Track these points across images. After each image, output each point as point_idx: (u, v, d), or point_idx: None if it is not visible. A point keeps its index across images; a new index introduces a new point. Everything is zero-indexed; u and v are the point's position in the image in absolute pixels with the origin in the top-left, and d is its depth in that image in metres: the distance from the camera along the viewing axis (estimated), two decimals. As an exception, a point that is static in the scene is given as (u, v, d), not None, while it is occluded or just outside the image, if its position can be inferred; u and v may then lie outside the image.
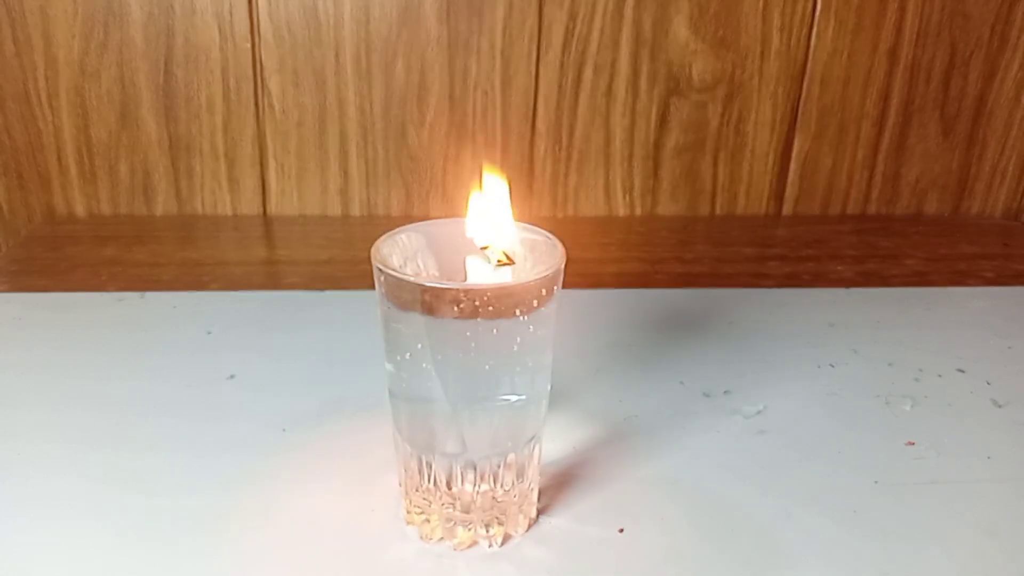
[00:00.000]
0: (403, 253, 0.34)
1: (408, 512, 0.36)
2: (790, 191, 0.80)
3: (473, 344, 0.31)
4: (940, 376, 0.49)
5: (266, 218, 0.76)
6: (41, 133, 0.71)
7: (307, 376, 0.47)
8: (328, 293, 0.58)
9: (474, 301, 0.30)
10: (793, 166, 0.79)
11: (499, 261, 0.33)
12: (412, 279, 0.30)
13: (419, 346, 0.31)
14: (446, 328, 0.30)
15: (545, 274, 0.31)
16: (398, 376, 0.33)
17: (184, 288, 0.60)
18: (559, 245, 0.33)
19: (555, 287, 0.32)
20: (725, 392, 0.47)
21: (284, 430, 0.42)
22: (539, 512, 0.37)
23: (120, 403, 0.44)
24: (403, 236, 0.34)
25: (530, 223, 0.35)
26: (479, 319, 0.30)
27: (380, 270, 0.31)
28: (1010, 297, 0.60)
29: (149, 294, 0.57)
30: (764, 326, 0.55)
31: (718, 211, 0.80)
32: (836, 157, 0.79)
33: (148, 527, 0.36)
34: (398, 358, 0.33)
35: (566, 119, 0.75)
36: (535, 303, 0.31)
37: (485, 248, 0.33)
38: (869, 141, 0.78)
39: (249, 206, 0.76)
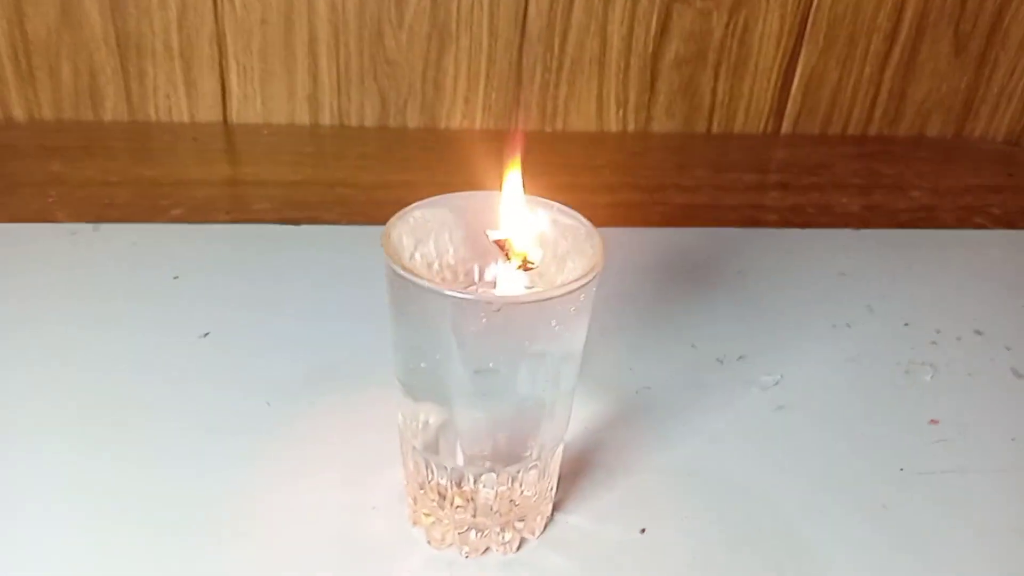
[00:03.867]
0: (414, 234, 0.30)
1: (415, 512, 0.33)
2: (791, 108, 0.75)
3: (500, 351, 0.27)
4: (959, 339, 0.47)
5: (227, 126, 0.69)
6: (-33, 26, 0.62)
7: (291, 334, 0.43)
8: (305, 228, 0.53)
9: (506, 317, 0.25)
10: (797, 82, 0.74)
11: (521, 264, 0.28)
12: (438, 289, 0.25)
13: (438, 355, 0.27)
14: (471, 327, 0.26)
15: (584, 281, 0.26)
16: (411, 374, 0.29)
17: (142, 214, 0.54)
18: (597, 236, 0.29)
19: (593, 290, 0.28)
20: (740, 358, 0.44)
21: (268, 404, 0.39)
22: (554, 508, 0.34)
23: (74, 369, 0.40)
24: (417, 214, 0.30)
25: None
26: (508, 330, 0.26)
27: (401, 275, 0.26)
28: (1021, 243, 0.58)
29: (104, 226, 0.52)
30: (774, 276, 0.52)
31: (715, 128, 0.75)
32: (842, 73, 0.74)
33: (103, 532, 0.32)
34: (411, 365, 0.29)
35: (559, 24, 0.68)
36: (572, 309, 0.27)
37: (502, 243, 0.28)
38: (878, 57, 0.74)
39: (208, 112, 0.69)
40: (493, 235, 0.28)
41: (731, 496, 0.36)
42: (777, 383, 0.42)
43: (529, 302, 0.26)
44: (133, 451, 0.36)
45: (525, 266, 0.28)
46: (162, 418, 0.37)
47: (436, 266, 0.30)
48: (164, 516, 0.33)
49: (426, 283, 0.25)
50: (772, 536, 0.34)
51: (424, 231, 0.30)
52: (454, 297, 0.25)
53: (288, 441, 0.37)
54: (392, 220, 0.29)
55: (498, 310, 0.25)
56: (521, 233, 0.29)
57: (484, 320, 0.25)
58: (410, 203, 0.30)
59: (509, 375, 0.28)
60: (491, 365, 0.27)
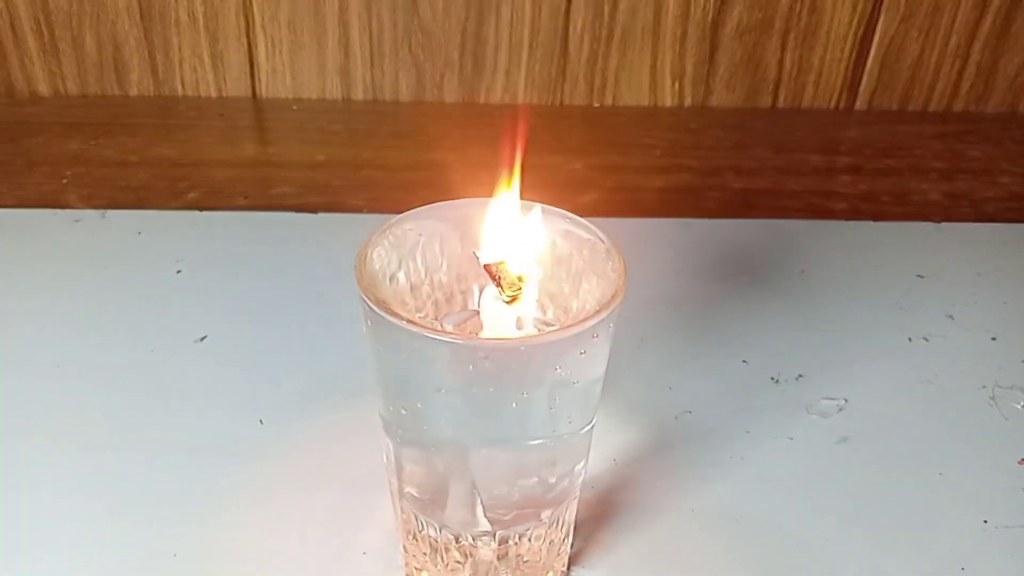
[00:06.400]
0: (398, 247, 0.25)
1: (407, 564, 0.29)
2: (867, 82, 0.68)
3: (493, 394, 0.22)
4: (1056, 358, 0.41)
5: (256, 101, 0.65)
6: (-14, -4, 0.60)
7: (293, 339, 0.39)
8: (322, 216, 0.49)
9: (498, 364, 0.21)
10: (873, 53, 0.66)
11: (513, 296, 0.23)
12: (413, 330, 0.21)
13: (419, 402, 0.23)
14: (456, 372, 0.22)
15: (598, 319, 0.22)
16: (392, 416, 0.25)
17: (157, 198, 0.51)
18: (618, 256, 0.24)
19: (611, 325, 0.23)
20: (798, 377, 0.39)
21: (261, 422, 0.35)
22: (570, 561, 0.30)
23: (61, 371, 0.37)
24: (398, 230, 0.25)
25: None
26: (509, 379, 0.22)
27: (374, 311, 0.22)
28: None
29: (111, 213, 0.48)
30: (841, 277, 0.46)
31: (781, 103, 0.68)
32: (925, 44, 0.66)
33: (79, 555, 0.29)
34: (392, 407, 0.24)
35: (609, -11, 0.62)
36: (581, 352, 0.22)
37: (497, 267, 0.23)
38: (966, 26, 0.66)
39: (236, 86, 0.65)
40: (484, 257, 0.23)
41: (780, 549, 0.31)
42: (840, 409, 0.37)
43: (526, 347, 0.21)
44: (107, 473, 0.32)
45: (515, 299, 0.23)
46: (143, 436, 0.34)
47: (425, 287, 0.25)
48: (132, 554, 0.29)
49: (398, 322, 0.21)
50: (826, 603, 0.29)
51: (412, 243, 0.25)
52: (429, 339, 0.20)
53: (277, 468, 0.33)
54: (373, 237, 0.24)
55: (486, 357, 0.20)
56: (520, 255, 0.24)
57: (471, 367, 0.21)
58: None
59: (507, 418, 0.23)
60: (482, 410, 0.23)
